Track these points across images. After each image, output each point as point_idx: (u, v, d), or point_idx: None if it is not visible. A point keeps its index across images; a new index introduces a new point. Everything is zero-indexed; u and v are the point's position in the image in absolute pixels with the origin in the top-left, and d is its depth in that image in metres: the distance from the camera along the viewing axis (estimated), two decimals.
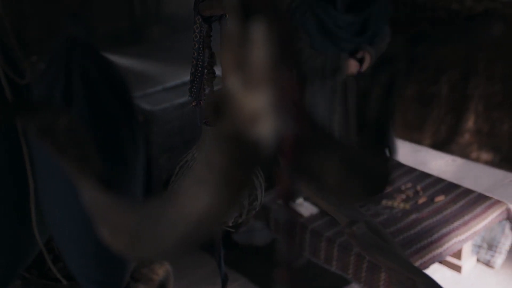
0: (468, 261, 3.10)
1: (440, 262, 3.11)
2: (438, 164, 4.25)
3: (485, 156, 4.21)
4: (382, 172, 0.68)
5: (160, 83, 4.52)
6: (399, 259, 1.33)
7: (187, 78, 1.27)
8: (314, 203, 2.91)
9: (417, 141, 4.43)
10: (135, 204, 0.68)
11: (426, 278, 1.31)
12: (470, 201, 3.03)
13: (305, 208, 2.93)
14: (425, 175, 3.29)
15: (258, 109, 0.61)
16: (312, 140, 0.64)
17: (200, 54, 1.24)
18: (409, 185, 3.18)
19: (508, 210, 3.02)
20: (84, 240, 0.86)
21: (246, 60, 0.62)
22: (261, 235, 3.12)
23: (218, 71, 1.33)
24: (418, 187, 3.15)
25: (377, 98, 0.73)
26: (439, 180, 3.24)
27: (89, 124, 0.97)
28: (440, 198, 3.04)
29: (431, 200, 3.05)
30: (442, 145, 4.32)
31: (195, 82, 1.26)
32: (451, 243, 2.79)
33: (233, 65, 0.63)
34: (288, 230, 0.65)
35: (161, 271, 2.69)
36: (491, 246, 3.08)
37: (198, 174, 0.62)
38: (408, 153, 4.38)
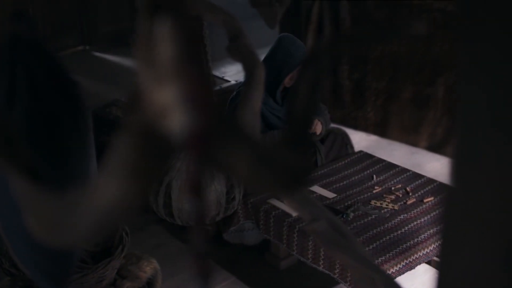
0: None
1: (429, 263, 3.11)
2: (434, 166, 4.25)
3: None
4: (300, 167, 0.70)
5: None
6: (359, 256, 1.35)
7: None
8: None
9: (413, 143, 4.43)
10: (60, 194, 0.71)
11: (385, 276, 1.33)
12: None
13: None
14: (416, 176, 3.30)
15: (166, 103, 0.64)
16: (220, 133, 0.67)
17: None
18: (399, 185, 3.19)
19: None
20: (29, 231, 0.89)
21: (155, 56, 0.64)
22: (251, 235, 3.14)
23: None
24: (408, 188, 3.16)
25: (303, 95, 0.76)
26: (430, 181, 3.25)
27: (32, 119, 1.00)
28: (429, 199, 3.05)
29: (420, 200, 3.06)
30: (438, 147, 4.32)
31: None
32: (438, 244, 2.79)
33: (143, 61, 0.65)
34: (198, 221, 0.67)
35: (149, 268, 2.72)
36: None
37: (108, 165, 0.64)
38: (404, 155, 4.39)
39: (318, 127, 3.39)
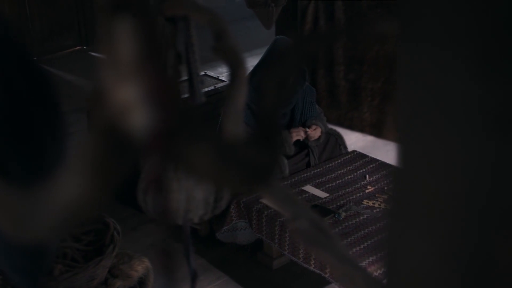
0: None
1: None
2: None
3: None
4: (264, 165, 0.71)
5: None
6: (340, 255, 1.36)
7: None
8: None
9: None
10: (25, 190, 0.72)
11: (365, 273, 1.33)
12: None
13: None
14: None
15: (128, 101, 0.65)
16: (184, 131, 0.68)
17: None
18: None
19: None
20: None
21: (116, 54, 0.65)
22: (244, 234, 3.15)
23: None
24: None
25: (269, 93, 0.77)
26: None
27: (6, 121, 1.00)
28: None
29: None
30: None
31: None
32: None
33: (105, 59, 0.66)
34: (163, 217, 0.68)
35: (140, 267, 2.72)
36: None
37: (70, 162, 0.65)
38: None
39: (316, 133, 3.41)
